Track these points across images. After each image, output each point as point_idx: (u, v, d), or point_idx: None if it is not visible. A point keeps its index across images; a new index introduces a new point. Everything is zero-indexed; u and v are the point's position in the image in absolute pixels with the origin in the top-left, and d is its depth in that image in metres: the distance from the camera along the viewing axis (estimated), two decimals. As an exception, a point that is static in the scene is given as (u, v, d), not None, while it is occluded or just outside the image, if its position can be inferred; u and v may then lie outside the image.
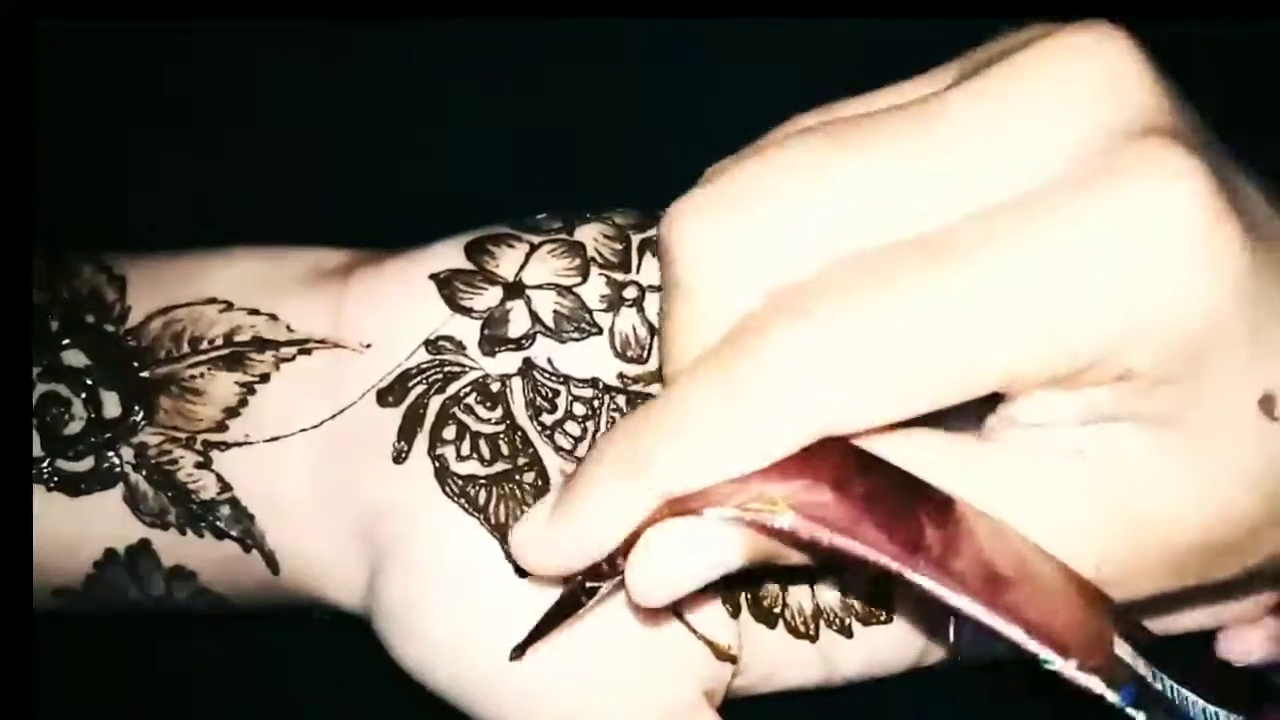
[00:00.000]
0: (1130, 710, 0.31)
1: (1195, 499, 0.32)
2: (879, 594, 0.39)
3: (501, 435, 0.37)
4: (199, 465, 0.38)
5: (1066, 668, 0.30)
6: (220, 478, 0.38)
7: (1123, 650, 0.31)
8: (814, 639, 0.39)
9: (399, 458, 0.37)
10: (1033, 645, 0.30)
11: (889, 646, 0.40)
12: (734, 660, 0.38)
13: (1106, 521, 0.32)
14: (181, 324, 0.39)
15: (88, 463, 0.38)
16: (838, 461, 0.31)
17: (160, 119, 0.37)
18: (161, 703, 0.44)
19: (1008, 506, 0.32)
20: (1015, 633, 0.30)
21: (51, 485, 0.38)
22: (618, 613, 0.37)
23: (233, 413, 0.38)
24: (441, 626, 0.36)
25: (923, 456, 0.32)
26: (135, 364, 0.38)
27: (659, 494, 0.31)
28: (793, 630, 0.39)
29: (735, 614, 0.38)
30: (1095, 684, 0.30)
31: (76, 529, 0.38)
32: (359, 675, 0.43)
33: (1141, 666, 0.32)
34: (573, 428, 0.38)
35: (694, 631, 0.37)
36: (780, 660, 0.39)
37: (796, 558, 0.32)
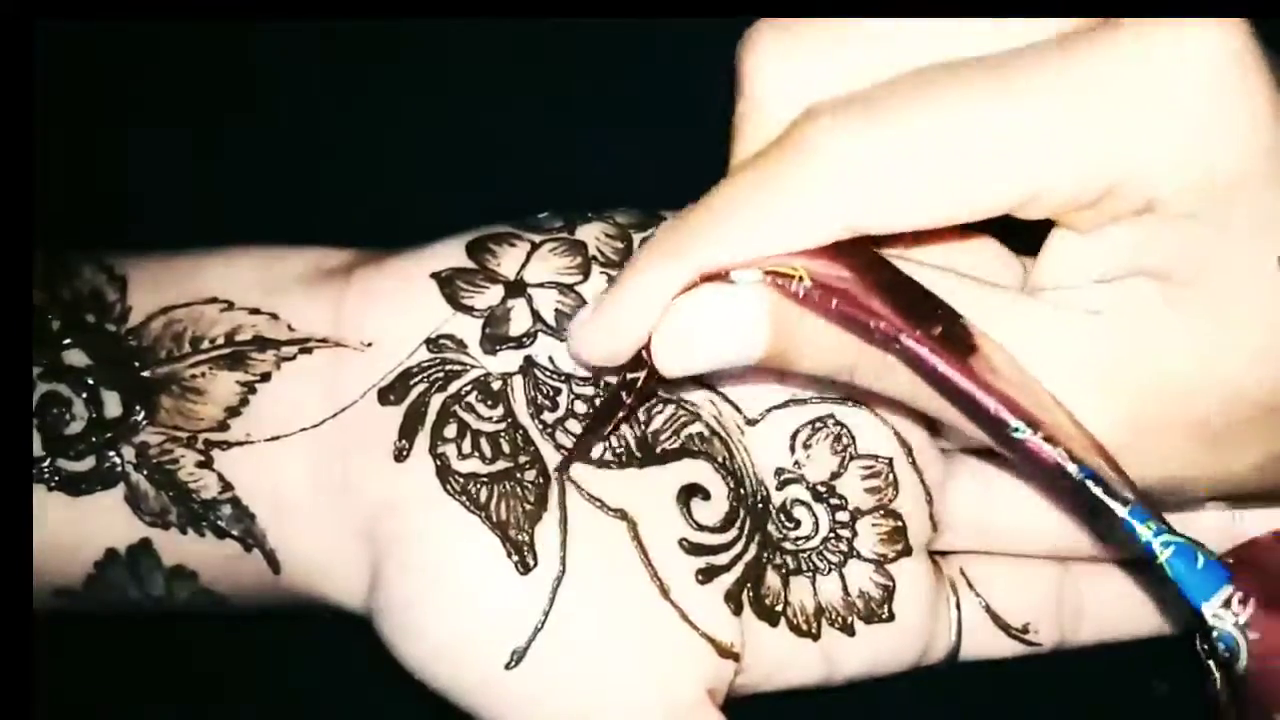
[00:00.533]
0: (1116, 507, 0.32)
1: (1213, 361, 0.32)
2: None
3: (503, 433, 0.37)
4: (200, 464, 0.38)
5: (1033, 438, 0.32)
6: (221, 477, 0.38)
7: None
8: (816, 637, 0.39)
9: (400, 456, 0.37)
10: (1004, 413, 0.32)
11: (891, 645, 0.40)
12: (736, 657, 0.38)
13: (1121, 379, 0.33)
14: (182, 324, 0.39)
15: (89, 462, 0.38)
16: (862, 257, 0.33)
17: (161, 119, 0.37)
18: (161, 704, 0.44)
19: (1026, 356, 0.33)
20: (991, 402, 0.32)
21: (52, 485, 0.38)
22: (620, 611, 0.37)
23: (234, 412, 0.38)
24: (443, 625, 0.36)
25: (952, 296, 0.33)
26: (136, 364, 0.38)
27: (695, 267, 0.33)
28: (795, 628, 0.39)
29: (737, 611, 0.38)
30: (1067, 462, 0.32)
31: (77, 529, 0.38)
32: (360, 676, 0.42)
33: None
34: (574, 426, 0.38)
35: (696, 628, 0.37)
36: (782, 658, 0.39)
37: (809, 363, 0.34)
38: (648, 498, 0.38)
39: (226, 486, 0.38)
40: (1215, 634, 0.32)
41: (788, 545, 0.39)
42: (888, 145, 0.31)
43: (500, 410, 0.38)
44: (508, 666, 0.36)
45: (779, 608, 0.39)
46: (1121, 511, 0.32)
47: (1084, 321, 0.33)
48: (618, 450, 0.38)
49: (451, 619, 0.36)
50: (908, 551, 0.40)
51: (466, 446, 0.37)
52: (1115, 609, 0.42)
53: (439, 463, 0.37)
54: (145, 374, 0.38)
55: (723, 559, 0.38)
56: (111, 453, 0.38)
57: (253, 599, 0.39)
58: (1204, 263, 0.32)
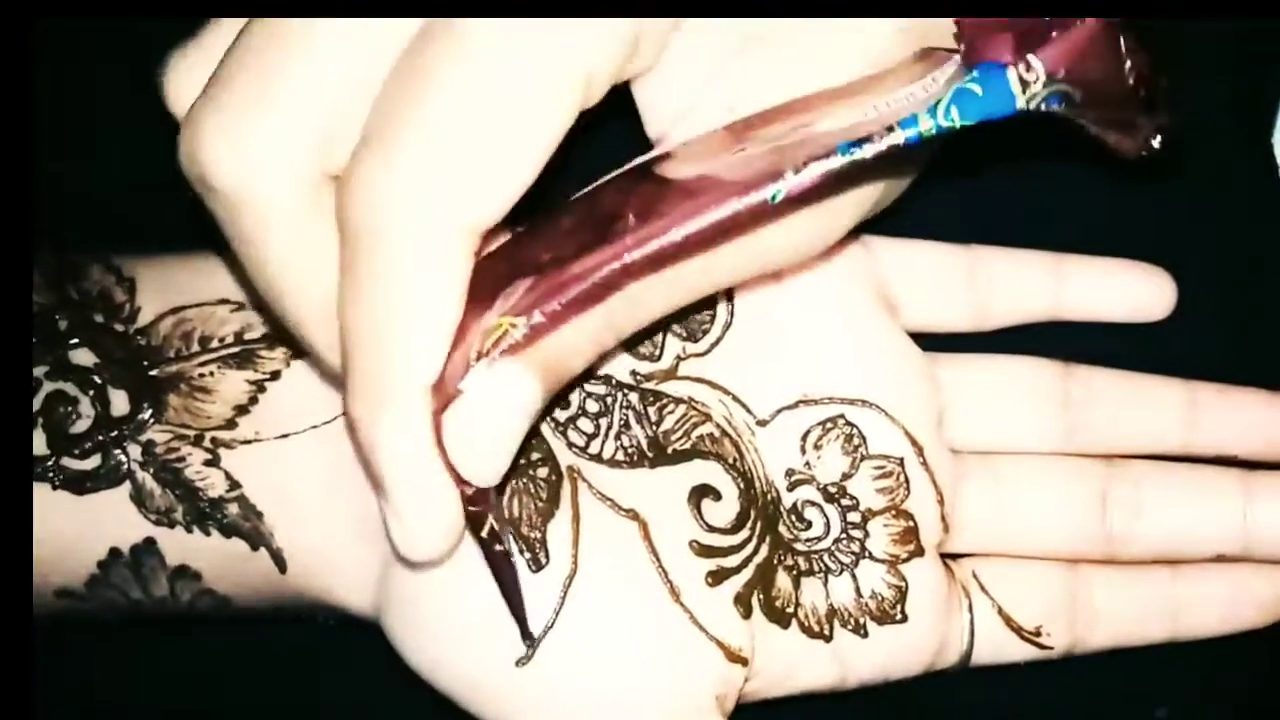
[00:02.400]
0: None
1: None
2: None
3: None
4: (207, 463, 0.37)
5: (789, 182, 0.30)
6: (229, 475, 0.37)
7: None
8: (828, 639, 0.39)
9: None
10: (753, 199, 0.30)
11: (904, 647, 0.40)
12: (745, 662, 0.37)
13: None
14: (192, 323, 0.38)
15: (94, 460, 0.37)
16: (514, 251, 0.31)
17: (161, 119, 0.37)
18: (161, 706, 0.43)
19: None
20: (726, 209, 0.30)
21: (57, 484, 0.37)
22: (630, 612, 0.36)
23: (243, 410, 0.38)
24: (451, 625, 0.36)
25: None
26: (145, 362, 0.38)
27: (409, 414, 0.30)
28: (807, 630, 0.39)
29: (747, 615, 0.38)
30: (829, 163, 0.30)
31: (81, 527, 0.37)
32: (366, 678, 0.42)
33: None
34: (585, 424, 0.38)
35: (706, 632, 0.37)
36: (794, 661, 0.39)
37: (583, 360, 0.32)
38: (659, 498, 0.38)
39: (234, 485, 0.37)
40: (1043, 105, 0.30)
41: (799, 546, 0.39)
42: (435, 156, 0.29)
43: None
44: (518, 664, 0.36)
45: (790, 609, 0.38)
46: (899, 139, 0.30)
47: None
48: (629, 450, 0.38)
49: (460, 619, 0.36)
50: (920, 552, 0.40)
51: (479, 444, 0.37)
52: (1127, 612, 0.42)
53: (450, 459, 0.36)
54: (153, 373, 0.38)
55: (733, 561, 0.38)
56: (117, 451, 0.37)
57: (257, 600, 0.39)
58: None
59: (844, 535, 0.39)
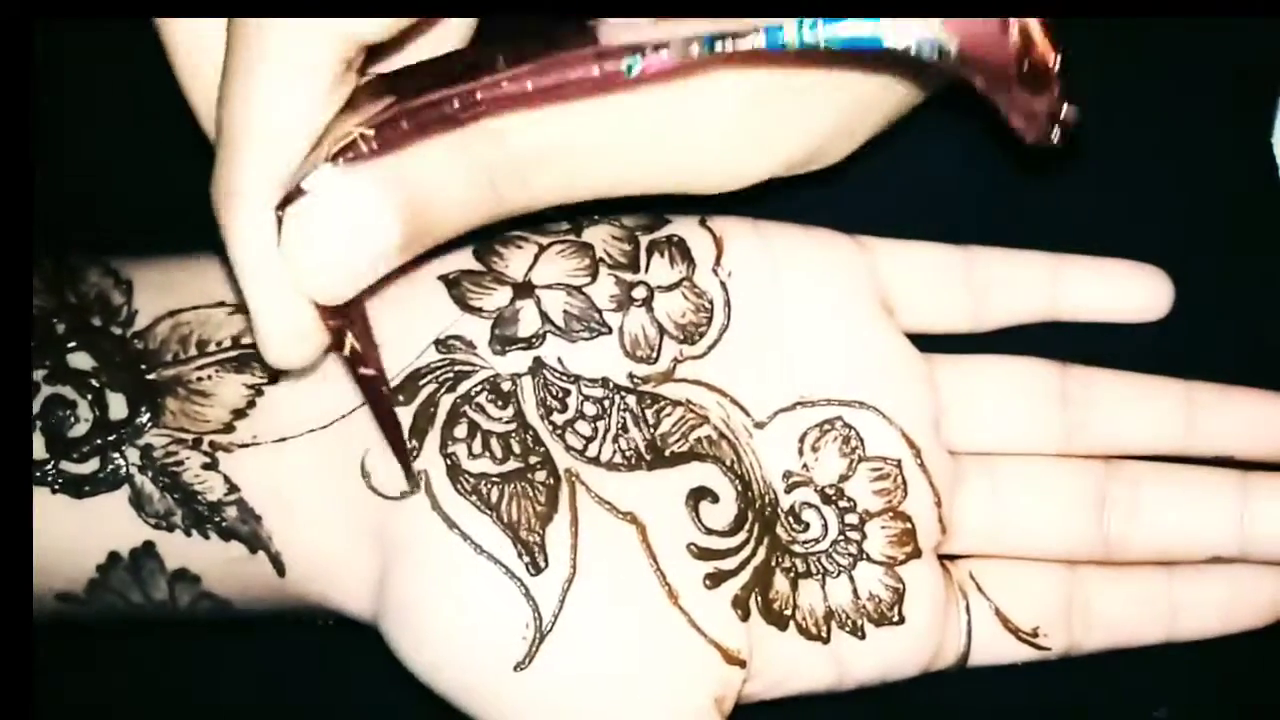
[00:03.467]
0: None
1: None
2: None
3: (513, 434, 0.37)
4: (206, 466, 0.37)
5: (649, 60, 0.30)
6: (227, 479, 0.37)
7: None
8: (826, 640, 0.39)
9: (410, 456, 0.37)
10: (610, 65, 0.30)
11: (901, 648, 0.40)
12: (743, 664, 0.37)
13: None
14: (189, 326, 0.38)
15: (93, 464, 0.37)
16: (388, 79, 0.32)
17: (162, 119, 0.37)
18: (161, 707, 0.44)
19: None
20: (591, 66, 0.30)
21: (56, 487, 0.37)
22: (629, 616, 0.36)
23: (240, 414, 0.38)
24: (452, 626, 0.36)
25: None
26: (142, 366, 0.38)
27: (256, 207, 0.31)
28: (804, 632, 0.39)
29: (745, 617, 0.38)
30: (690, 50, 0.30)
31: (80, 531, 0.37)
32: (364, 680, 0.42)
33: None
34: (584, 427, 0.38)
35: (704, 635, 0.37)
36: (792, 663, 0.39)
37: (444, 201, 0.32)
38: (656, 501, 0.38)
39: (232, 488, 0.37)
40: (914, 49, 0.30)
41: (797, 548, 0.39)
42: None
43: (510, 411, 0.37)
44: (518, 668, 0.36)
45: (788, 612, 0.38)
46: (760, 41, 0.30)
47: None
48: (627, 453, 0.38)
49: (461, 619, 0.36)
50: (917, 554, 0.40)
51: (477, 447, 0.37)
52: (1124, 614, 0.42)
53: (449, 462, 0.37)
54: (151, 376, 0.38)
55: (731, 563, 0.38)
56: (116, 455, 0.37)
57: (256, 604, 0.39)
58: None
59: (841, 537, 0.39)
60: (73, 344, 0.38)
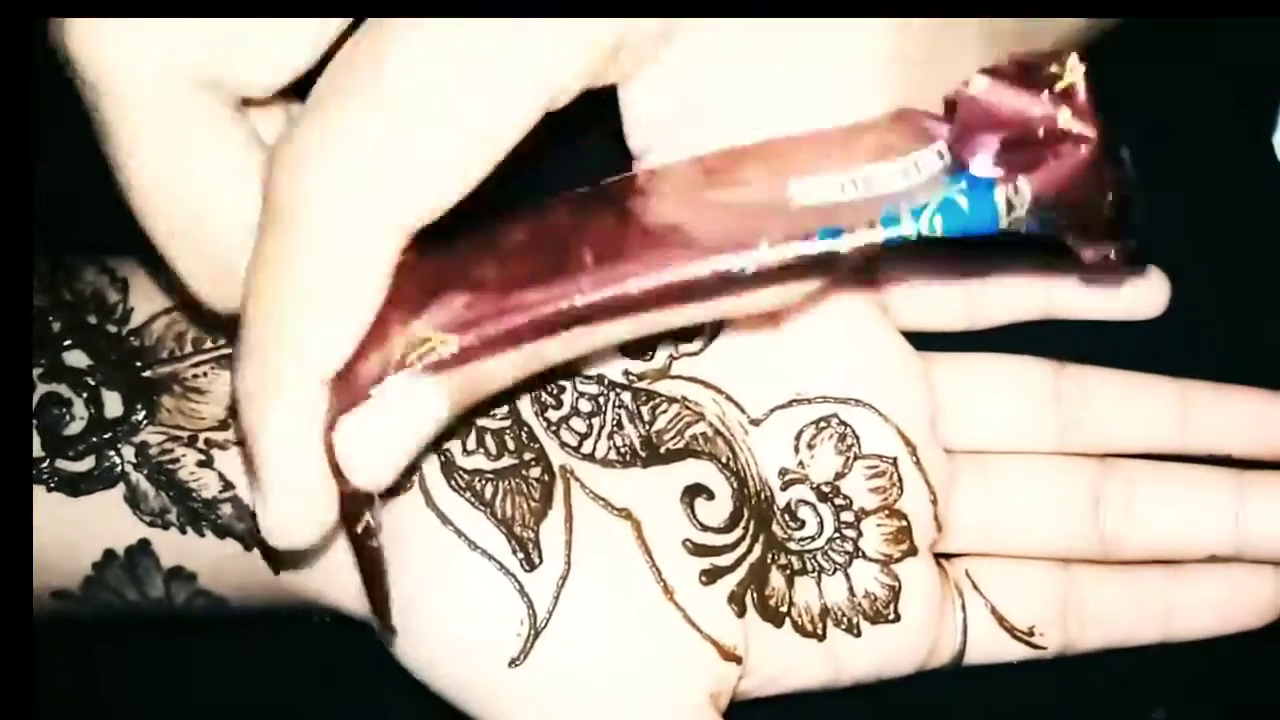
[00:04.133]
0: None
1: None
2: None
3: (508, 430, 0.37)
4: (201, 464, 0.37)
5: (760, 255, 0.29)
6: (222, 476, 0.37)
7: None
8: (821, 638, 0.39)
9: None
10: (725, 263, 0.29)
11: (897, 646, 0.40)
12: (739, 660, 0.37)
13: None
14: (184, 324, 0.38)
15: (88, 462, 0.37)
16: (445, 260, 0.30)
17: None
18: (161, 707, 0.44)
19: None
20: (705, 267, 0.29)
21: (51, 486, 0.37)
22: (624, 612, 0.36)
23: (236, 411, 0.38)
24: (445, 623, 0.36)
25: None
26: (138, 364, 0.38)
27: (300, 405, 0.29)
28: (800, 629, 0.39)
29: (741, 613, 0.38)
30: (807, 245, 0.29)
31: (76, 529, 0.38)
32: (361, 681, 0.42)
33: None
34: (578, 424, 0.38)
35: (700, 631, 0.37)
36: (787, 660, 0.39)
37: (496, 381, 0.31)
38: (652, 497, 0.38)
39: (227, 485, 0.37)
40: (1023, 228, 0.30)
41: (792, 546, 0.39)
42: (376, 145, 0.28)
43: (505, 408, 0.37)
44: (512, 664, 0.36)
45: (784, 608, 0.38)
46: (879, 237, 0.29)
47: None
48: (622, 450, 0.38)
49: (455, 616, 0.36)
50: (913, 552, 0.40)
51: (471, 443, 0.37)
52: (1120, 613, 0.42)
53: (443, 458, 0.37)
54: (146, 374, 0.38)
55: (726, 560, 0.38)
56: (111, 452, 0.37)
57: (252, 601, 0.39)
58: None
59: (837, 535, 0.39)
60: (68, 342, 0.38)
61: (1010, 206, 0.30)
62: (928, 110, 0.31)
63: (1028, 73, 0.30)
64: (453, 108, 0.28)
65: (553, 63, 0.29)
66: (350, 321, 0.29)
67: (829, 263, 0.29)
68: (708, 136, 0.31)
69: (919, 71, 0.32)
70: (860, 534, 0.39)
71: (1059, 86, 0.30)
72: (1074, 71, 0.30)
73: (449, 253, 0.31)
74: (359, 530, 0.32)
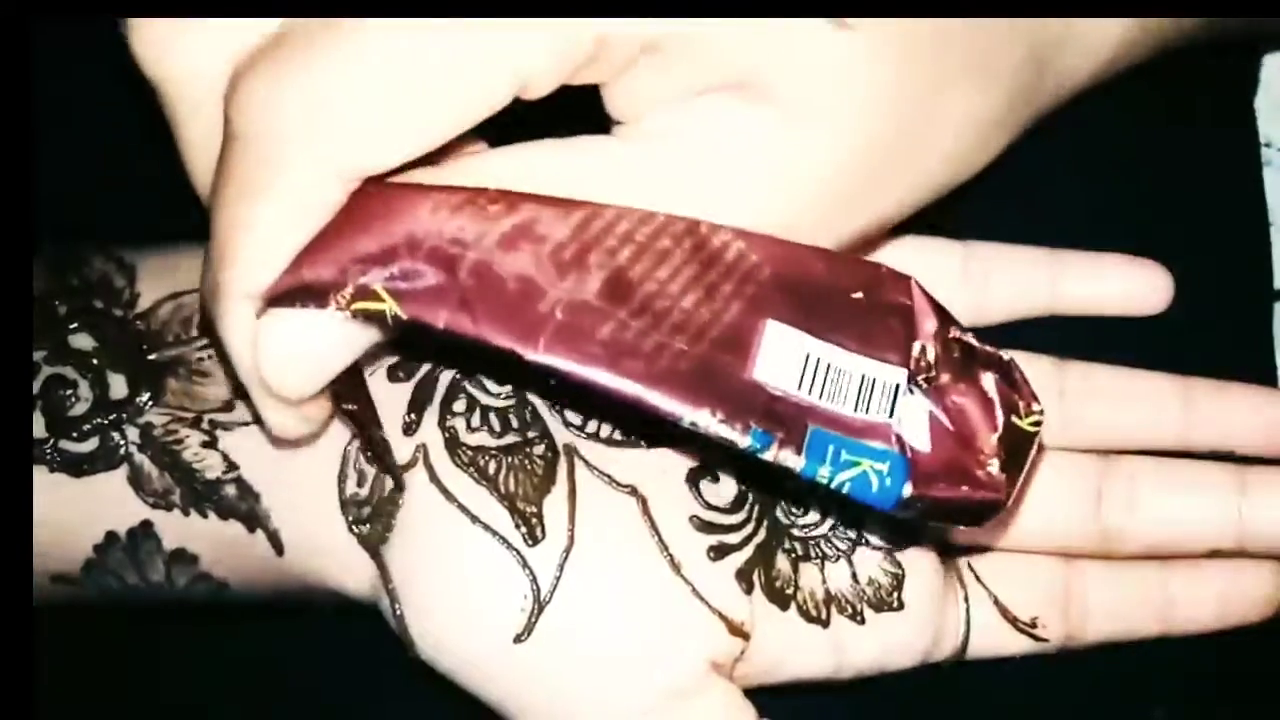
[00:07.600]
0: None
1: (800, 147, 0.32)
2: None
3: (511, 409, 0.37)
4: (205, 444, 0.37)
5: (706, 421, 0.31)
6: (226, 457, 0.37)
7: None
8: (825, 624, 0.39)
9: (409, 429, 0.37)
10: (667, 405, 0.31)
11: (900, 635, 0.39)
12: (747, 636, 0.37)
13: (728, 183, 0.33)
14: (191, 309, 0.39)
15: (92, 443, 0.37)
16: (415, 202, 0.31)
17: (162, 118, 0.37)
18: (160, 702, 0.43)
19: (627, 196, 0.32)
20: (638, 391, 0.31)
21: (54, 466, 0.37)
22: (630, 586, 0.36)
23: (241, 392, 0.38)
24: (449, 599, 0.36)
25: (540, 172, 0.32)
26: (144, 347, 0.38)
27: (234, 312, 0.31)
28: (805, 614, 0.38)
29: (749, 590, 0.37)
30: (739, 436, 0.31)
31: (78, 511, 0.37)
32: (365, 670, 0.42)
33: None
34: (583, 403, 0.38)
35: (708, 604, 0.37)
36: (791, 644, 0.38)
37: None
38: (657, 476, 0.38)
39: (231, 466, 0.37)
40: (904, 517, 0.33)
41: (796, 531, 0.39)
42: (340, 76, 0.30)
43: (509, 386, 0.37)
44: (517, 639, 0.35)
45: (789, 591, 0.38)
46: (797, 466, 0.31)
47: (665, 146, 0.32)
48: (626, 429, 0.38)
49: (459, 591, 0.36)
50: (916, 540, 0.40)
51: (476, 420, 0.37)
52: (1121, 608, 0.41)
53: (448, 435, 0.37)
54: (152, 357, 0.38)
55: (734, 538, 0.38)
56: (115, 434, 0.37)
57: (254, 584, 0.39)
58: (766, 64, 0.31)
59: (841, 522, 0.39)
60: (74, 325, 0.38)
61: (908, 507, 0.32)
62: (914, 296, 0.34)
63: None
64: (416, 80, 0.30)
65: (525, 49, 0.30)
66: (278, 250, 0.31)
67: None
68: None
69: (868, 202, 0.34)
70: (863, 521, 0.39)
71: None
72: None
73: (424, 195, 0.32)
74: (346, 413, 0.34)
